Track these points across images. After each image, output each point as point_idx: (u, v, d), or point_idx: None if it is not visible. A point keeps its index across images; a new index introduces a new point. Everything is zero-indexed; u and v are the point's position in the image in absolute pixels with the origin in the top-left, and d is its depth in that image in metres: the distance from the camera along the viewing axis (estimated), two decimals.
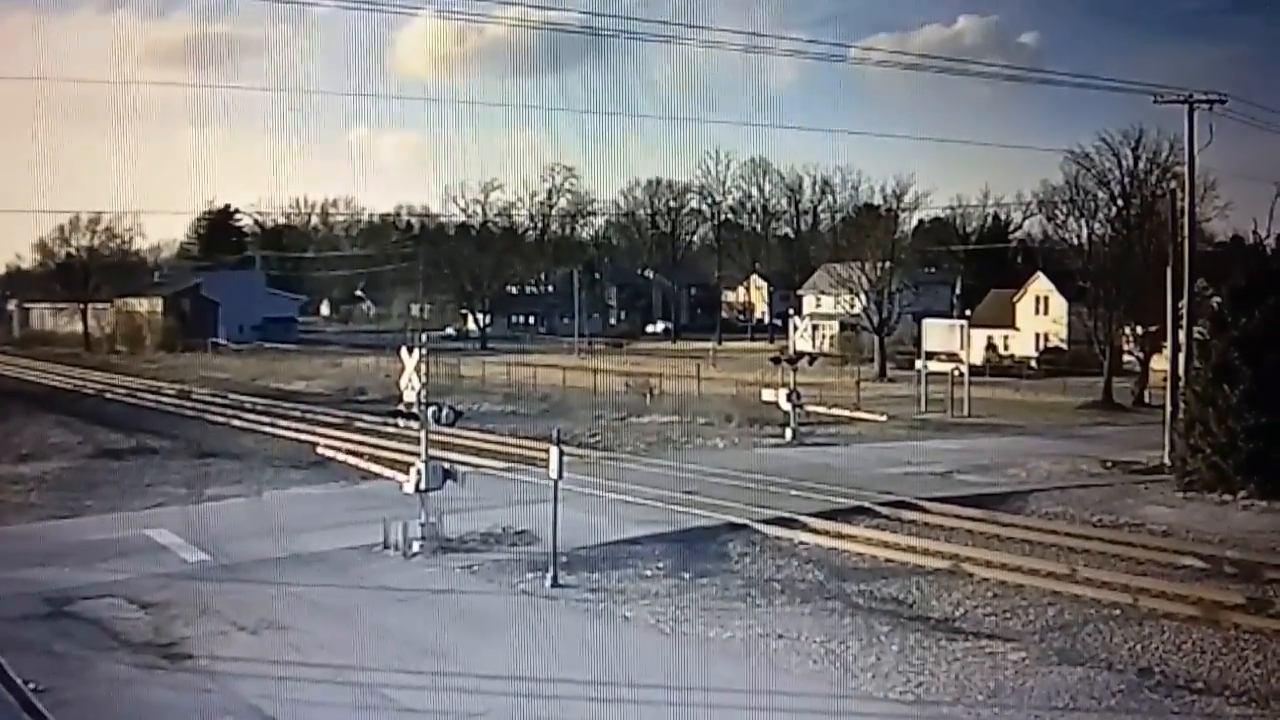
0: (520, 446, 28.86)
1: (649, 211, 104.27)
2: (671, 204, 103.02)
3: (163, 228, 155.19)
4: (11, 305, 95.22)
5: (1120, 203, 48.47)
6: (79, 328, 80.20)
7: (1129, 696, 12.07)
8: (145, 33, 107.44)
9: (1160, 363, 37.71)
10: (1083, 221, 50.89)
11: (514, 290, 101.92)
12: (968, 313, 53.59)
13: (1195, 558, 18.36)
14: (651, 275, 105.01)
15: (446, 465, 18.71)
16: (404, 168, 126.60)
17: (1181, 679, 12.79)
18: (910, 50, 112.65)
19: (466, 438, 28.95)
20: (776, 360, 36.84)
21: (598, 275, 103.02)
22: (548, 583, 16.14)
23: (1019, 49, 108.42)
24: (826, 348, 65.57)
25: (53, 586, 15.55)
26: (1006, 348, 62.79)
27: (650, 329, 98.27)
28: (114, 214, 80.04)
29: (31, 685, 11.52)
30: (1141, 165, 47.91)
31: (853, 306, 62.96)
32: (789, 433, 32.87)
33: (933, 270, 75.12)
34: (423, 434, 18.40)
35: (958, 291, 69.44)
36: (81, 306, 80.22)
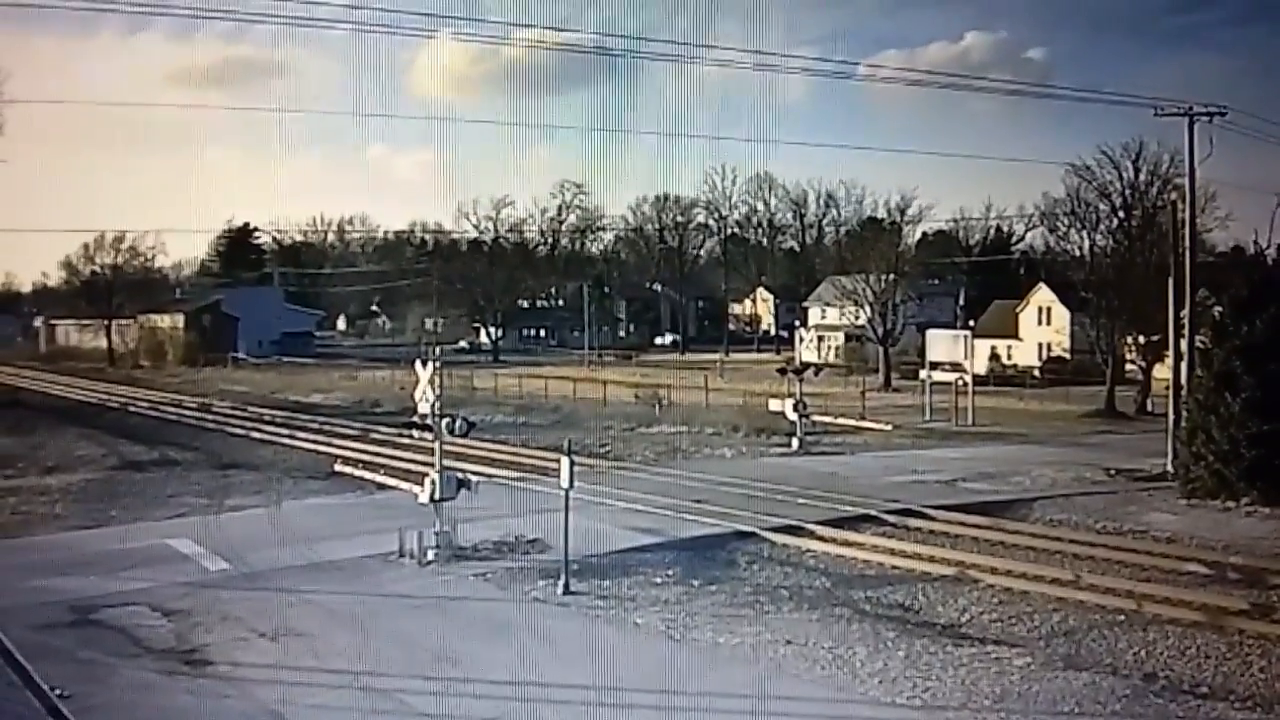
0: (532, 457, 29.05)
1: (657, 226, 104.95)
2: (679, 219, 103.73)
3: (184, 246, 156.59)
4: (38, 322, 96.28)
5: (1121, 214, 48.59)
6: (103, 343, 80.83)
7: (1134, 701, 12.21)
8: (165, 56, 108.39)
9: (1163, 371, 37.78)
10: (1084, 233, 51.08)
11: (525, 304, 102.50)
12: (971, 323, 53.74)
13: (1199, 564, 18.50)
14: (660, 288, 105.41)
15: (460, 475, 18.96)
16: (418, 185, 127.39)
17: (1186, 684, 12.95)
18: (918, 67, 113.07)
19: (479, 448, 29.19)
20: (783, 371, 37.14)
21: (607, 289, 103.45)
22: (559, 590, 16.38)
23: (1026, 64, 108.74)
24: (832, 358, 65.82)
25: (78, 595, 15.86)
26: (1010, 357, 62.90)
27: (659, 341, 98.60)
28: (137, 233, 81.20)
29: (57, 691, 11.78)
30: (1142, 177, 48.08)
31: (858, 318, 63.20)
32: (795, 442, 33.08)
33: (936, 282, 75.25)
34: (437, 445, 18.68)
35: (961, 302, 69.53)
36: (106, 323, 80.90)
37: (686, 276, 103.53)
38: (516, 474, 26.62)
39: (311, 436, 35.36)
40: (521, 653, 13.59)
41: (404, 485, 20.60)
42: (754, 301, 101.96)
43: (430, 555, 18.04)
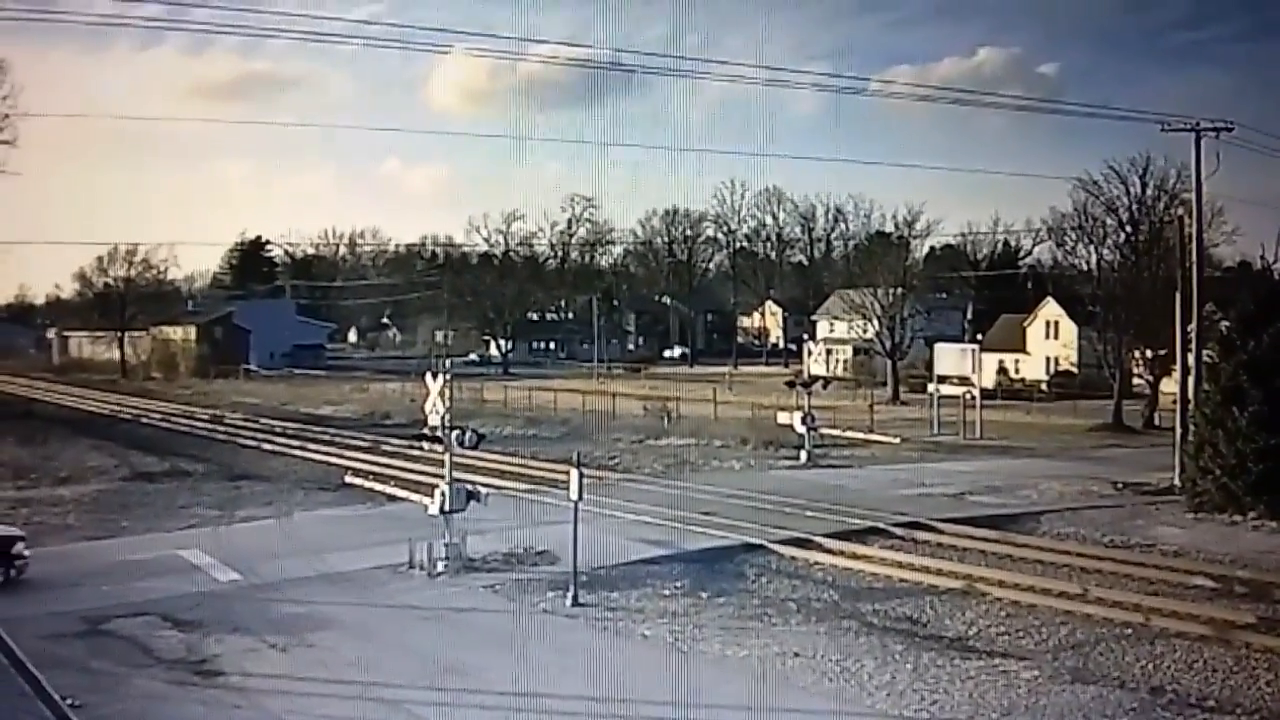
0: (541, 469, 29.19)
1: (666, 240, 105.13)
2: (688, 232, 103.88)
3: (197, 258, 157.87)
4: (51, 333, 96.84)
5: (1129, 229, 48.51)
6: (116, 355, 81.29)
7: (1141, 715, 12.28)
8: (179, 70, 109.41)
9: (1170, 386, 37.72)
10: (1092, 248, 51.00)
11: (535, 317, 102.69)
12: (979, 337, 53.45)
13: (1206, 578, 18.52)
14: (668, 302, 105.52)
15: (470, 487, 19.10)
16: (430, 199, 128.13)
17: (1193, 697, 12.98)
18: (929, 82, 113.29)
19: (489, 460, 29.28)
20: (791, 384, 37.19)
21: (616, 302, 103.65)
22: (568, 602, 16.50)
23: (1038, 80, 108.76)
24: (840, 372, 65.62)
25: (89, 605, 16.03)
26: (1018, 371, 62.71)
27: (667, 354, 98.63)
28: (150, 245, 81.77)
29: (69, 701, 11.92)
30: (1149, 192, 48.00)
31: (866, 331, 63.14)
32: (804, 455, 33.13)
33: (944, 296, 75.24)
34: (447, 457, 18.83)
35: (969, 316, 69.46)
36: (118, 334, 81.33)
37: (695, 290, 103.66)
38: (526, 486, 26.75)
39: (322, 448, 35.56)
40: (530, 664, 13.67)
41: (414, 497, 20.74)
42: (762, 315, 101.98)
43: (440, 567, 18.17)
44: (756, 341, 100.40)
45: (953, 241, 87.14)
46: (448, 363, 19.52)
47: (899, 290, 61.60)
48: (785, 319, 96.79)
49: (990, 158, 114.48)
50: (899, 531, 22.14)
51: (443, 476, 18.91)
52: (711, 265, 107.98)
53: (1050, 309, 63.13)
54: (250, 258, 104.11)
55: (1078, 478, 29.31)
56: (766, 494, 25.90)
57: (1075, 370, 57.88)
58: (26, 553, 17.64)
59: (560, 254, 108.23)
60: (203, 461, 33.01)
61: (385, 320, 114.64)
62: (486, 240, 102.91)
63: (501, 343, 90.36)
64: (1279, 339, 24.37)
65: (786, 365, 78.06)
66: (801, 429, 33.44)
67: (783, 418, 34.93)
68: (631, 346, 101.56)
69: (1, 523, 19.88)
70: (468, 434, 18.88)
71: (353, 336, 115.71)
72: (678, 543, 20.53)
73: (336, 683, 13.13)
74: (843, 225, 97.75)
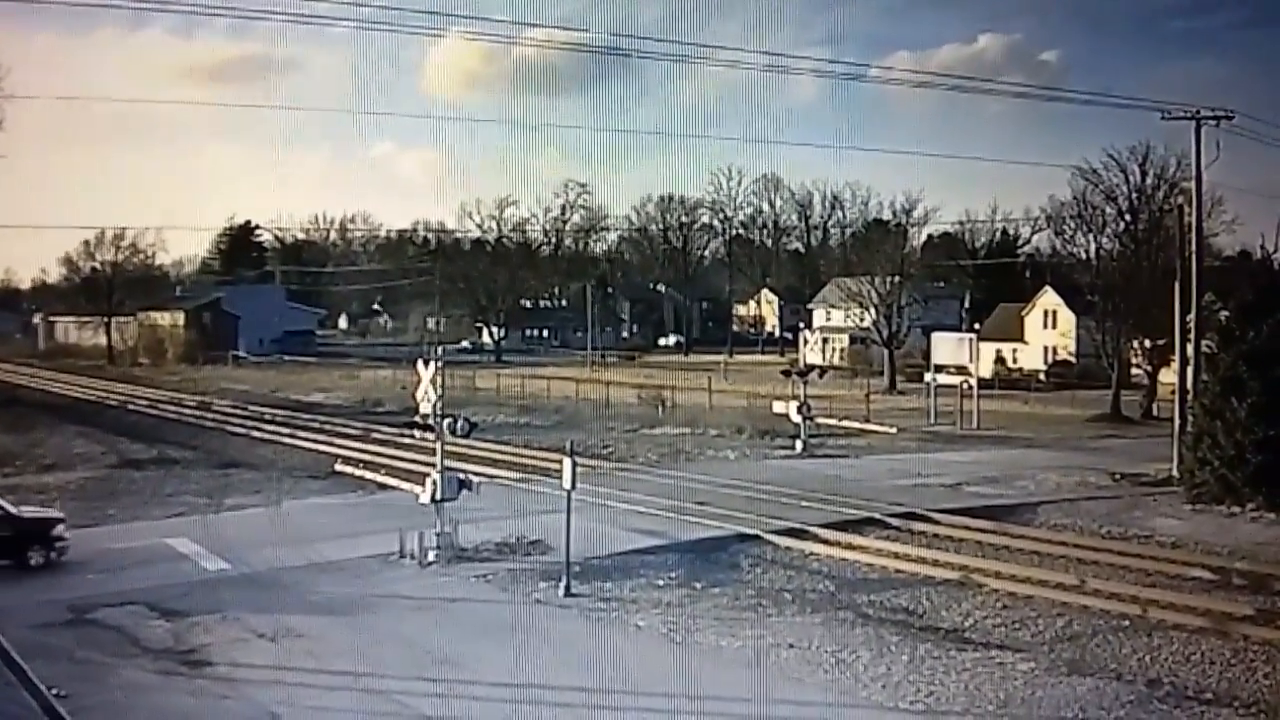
0: (534, 458, 29.06)
1: (661, 227, 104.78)
2: (683, 219, 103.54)
3: (185, 243, 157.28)
4: (37, 319, 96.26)
5: (1128, 218, 48.42)
6: (102, 341, 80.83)
7: (1138, 707, 12.22)
8: (168, 52, 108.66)
9: (1168, 376, 37.72)
10: (1091, 236, 50.90)
11: (528, 304, 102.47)
12: (977, 326, 53.42)
13: (1204, 569, 18.48)
14: (663, 289, 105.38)
15: (462, 476, 19.00)
16: (422, 184, 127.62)
17: (1190, 690, 12.94)
18: (929, 68, 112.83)
19: (481, 449, 29.18)
20: (787, 373, 37.09)
21: (610, 289, 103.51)
22: (561, 592, 16.39)
23: (1039, 67, 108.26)
24: (836, 361, 65.61)
25: (76, 594, 15.89)
26: (1015, 361, 62.71)
27: (662, 342, 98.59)
28: (138, 229, 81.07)
29: (54, 691, 11.73)
30: (1149, 181, 47.88)
31: (862, 320, 63.07)
32: (800, 444, 33.05)
33: (942, 284, 75.22)
34: (438, 445, 18.68)
35: (967, 305, 69.48)
36: (105, 320, 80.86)
37: (691, 277, 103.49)
38: (518, 475, 26.64)
39: (312, 436, 35.36)
40: (522, 655, 13.57)
41: (405, 485, 20.61)
42: (758, 303, 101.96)
43: (431, 556, 18.04)
44: (752, 330, 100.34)
45: (950, 230, 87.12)
46: (440, 350, 19.34)
47: (896, 278, 61.47)
48: (781, 307, 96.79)
49: (989, 145, 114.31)
50: (895, 522, 22.09)
51: (434, 465, 18.79)
52: (707, 253, 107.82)
53: (1048, 298, 63.12)
54: (239, 242, 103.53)
55: (1075, 468, 29.23)
56: (762, 484, 25.80)
57: (1073, 360, 57.88)
58: (67, 535, 17.73)
59: (554, 240, 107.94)
60: (191, 449, 32.84)
61: (376, 307, 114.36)
62: (479, 226, 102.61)
63: (494, 330, 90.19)
64: (1278, 329, 24.27)
65: (782, 354, 78.12)
66: (797, 418, 33.34)
67: (778, 407, 34.83)
68: (626, 334, 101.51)
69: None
70: (460, 422, 18.73)
71: (343, 323, 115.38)
72: (672, 533, 20.46)
73: (326, 673, 13.01)
74: (840, 213, 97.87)
